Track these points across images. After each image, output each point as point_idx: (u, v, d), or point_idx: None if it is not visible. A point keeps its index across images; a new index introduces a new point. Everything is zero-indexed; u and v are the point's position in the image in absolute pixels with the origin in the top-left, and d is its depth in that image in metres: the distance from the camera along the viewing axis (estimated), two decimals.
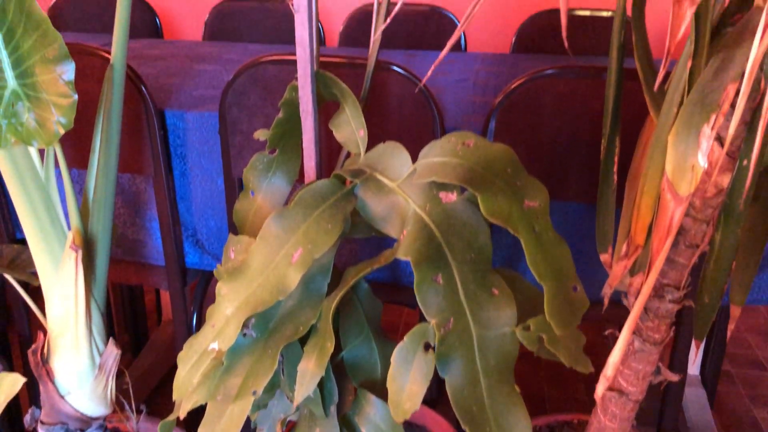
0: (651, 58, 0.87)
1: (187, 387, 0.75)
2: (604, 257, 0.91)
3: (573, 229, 1.26)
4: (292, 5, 0.79)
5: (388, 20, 0.76)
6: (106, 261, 1.05)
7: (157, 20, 2.23)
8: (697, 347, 0.90)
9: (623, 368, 0.97)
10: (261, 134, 0.95)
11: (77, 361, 1.01)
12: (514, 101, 1.16)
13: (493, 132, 1.18)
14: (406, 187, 0.77)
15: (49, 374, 1.02)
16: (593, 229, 0.93)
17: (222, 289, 0.75)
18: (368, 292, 0.94)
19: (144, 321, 2.01)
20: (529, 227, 0.69)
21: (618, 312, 1.11)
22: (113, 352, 1.04)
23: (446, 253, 0.72)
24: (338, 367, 0.97)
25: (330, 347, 0.73)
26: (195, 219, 1.35)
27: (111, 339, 1.04)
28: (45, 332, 1.02)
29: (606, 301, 0.91)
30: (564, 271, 0.72)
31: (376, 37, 0.89)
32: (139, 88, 1.20)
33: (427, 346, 0.70)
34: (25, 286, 1.08)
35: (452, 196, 0.74)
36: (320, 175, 0.91)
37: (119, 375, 1.08)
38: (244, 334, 0.77)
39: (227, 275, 0.75)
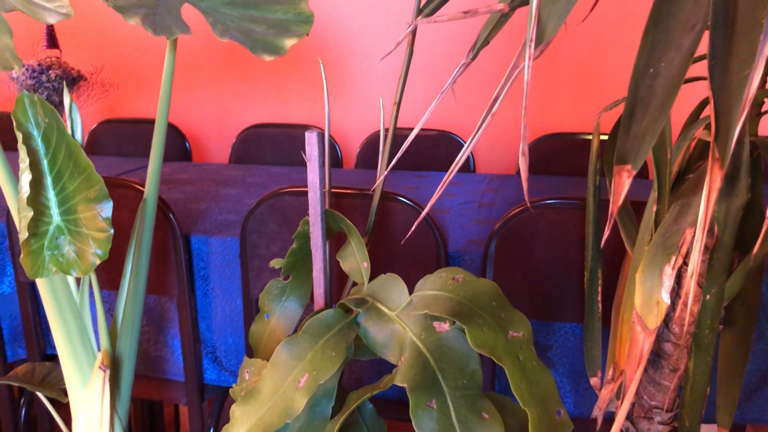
0: (626, 202, 0.97)
1: None
2: (593, 381, 0.97)
3: (576, 347, 1.31)
4: (305, 155, 0.90)
5: (397, 156, 0.86)
6: (130, 379, 1.13)
7: (187, 144, 2.40)
8: None
9: None
10: (276, 263, 1.05)
11: None
12: (512, 228, 1.25)
13: (492, 256, 1.26)
14: (403, 316, 0.85)
15: None
16: None
17: (236, 411, 0.82)
18: (372, 413, 1.00)
19: None
20: (513, 356, 0.76)
21: None
22: None
23: (440, 379, 0.79)
24: None
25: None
26: (215, 336, 1.43)
27: None
28: None
29: (599, 422, 0.96)
30: (547, 397, 0.78)
31: (380, 178, 1.00)
32: (168, 216, 1.32)
33: None
34: (53, 402, 1.16)
35: (445, 326, 0.82)
36: (329, 301, 0.99)
37: None
38: None
39: (241, 399, 0.82)
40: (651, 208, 0.82)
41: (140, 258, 1.13)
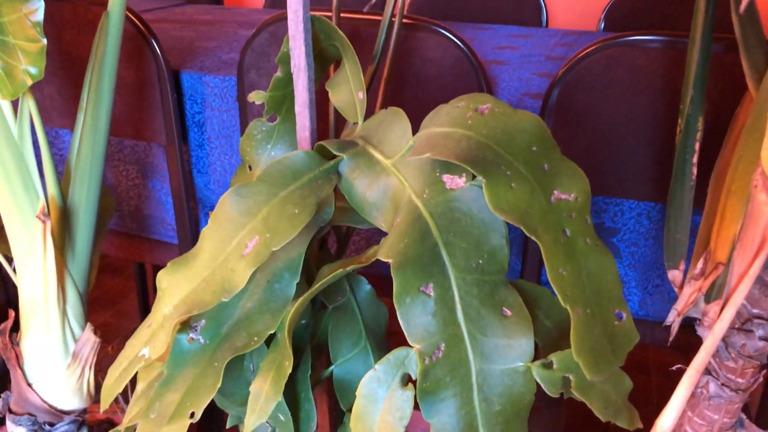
0: (756, 16, 0.65)
1: (111, 397, 0.60)
2: (672, 274, 0.70)
3: (650, 233, 1.03)
4: None
5: None
6: (88, 236, 0.93)
7: None
8: None
9: (693, 415, 0.76)
10: (256, 97, 0.79)
11: (47, 347, 0.89)
12: (581, 75, 0.95)
13: (552, 110, 0.97)
14: (402, 166, 0.59)
15: (18, 358, 0.90)
16: None
17: (162, 281, 0.59)
18: (370, 295, 0.76)
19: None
20: (555, 228, 0.50)
21: (696, 341, 0.89)
22: (90, 340, 0.92)
23: (443, 256, 0.54)
24: (327, 385, 0.81)
25: (288, 366, 0.57)
26: (214, 195, 1.21)
27: (89, 325, 0.92)
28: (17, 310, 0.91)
29: (674, 329, 0.70)
30: (604, 292, 0.52)
31: None
32: (150, 44, 1.07)
33: (406, 380, 0.53)
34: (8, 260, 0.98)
35: (460, 181, 0.55)
36: None
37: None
38: (191, 339, 0.61)
39: (170, 265, 0.60)
40: None
41: (100, 87, 0.90)
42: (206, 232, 0.59)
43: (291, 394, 0.71)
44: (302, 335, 0.73)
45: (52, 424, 0.92)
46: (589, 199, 0.53)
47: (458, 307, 0.53)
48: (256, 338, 0.58)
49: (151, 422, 0.60)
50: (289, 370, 0.57)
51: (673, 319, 0.68)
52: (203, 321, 0.61)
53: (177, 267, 0.59)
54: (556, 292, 0.49)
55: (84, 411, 0.96)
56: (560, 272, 0.49)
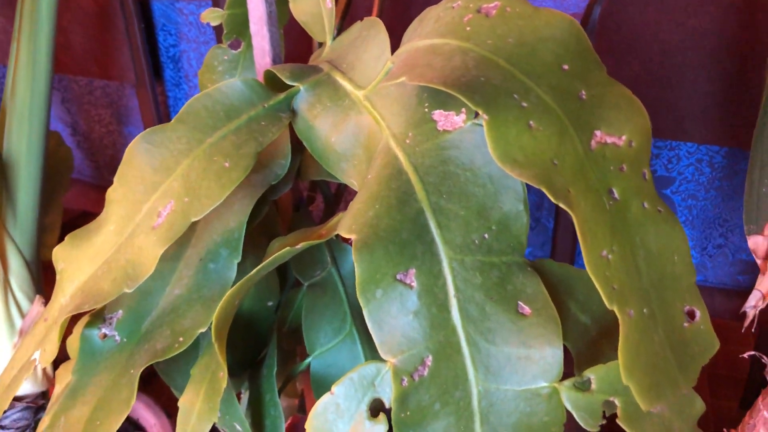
0: None
1: (4, 408, 0.46)
2: (754, 241, 0.52)
3: (711, 183, 0.85)
4: None
5: None
6: (33, 194, 0.78)
7: None
8: None
9: None
10: (211, 16, 0.62)
11: None
12: None
13: (593, 33, 0.78)
14: (379, 98, 0.41)
15: None
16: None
17: (59, 261, 0.44)
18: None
19: None
20: (598, 190, 0.33)
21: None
22: (41, 313, 0.78)
23: (431, 228, 0.37)
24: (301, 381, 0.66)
25: (222, 378, 0.41)
26: None
27: (38, 298, 0.78)
28: None
29: (750, 318, 0.52)
30: (669, 283, 0.35)
31: None
32: None
33: (376, 408, 0.37)
34: None
35: (457, 120, 0.38)
36: None
37: None
38: (103, 336, 0.46)
39: (69, 238, 0.44)
40: None
41: (37, 10, 0.73)
42: (111, 195, 0.43)
43: (254, 395, 0.56)
44: (267, 319, 0.58)
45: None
46: (650, 143, 0.35)
47: (453, 301, 0.36)
48: (181, 338, 0.43)
49: None
50: (224, 383, 0.41)
51: (755, 303, 0.50)
52: (120, 312, 0.46)
53: (77, 242, 0.44)
54: (597, 285, 0.32)
55: (42, 395, 0.84)
56: (604, 255, 0.32)
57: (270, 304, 0.58)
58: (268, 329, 0.58)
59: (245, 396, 0.59)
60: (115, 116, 1.07)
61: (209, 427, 0.44)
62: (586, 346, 0.41)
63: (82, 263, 0.43)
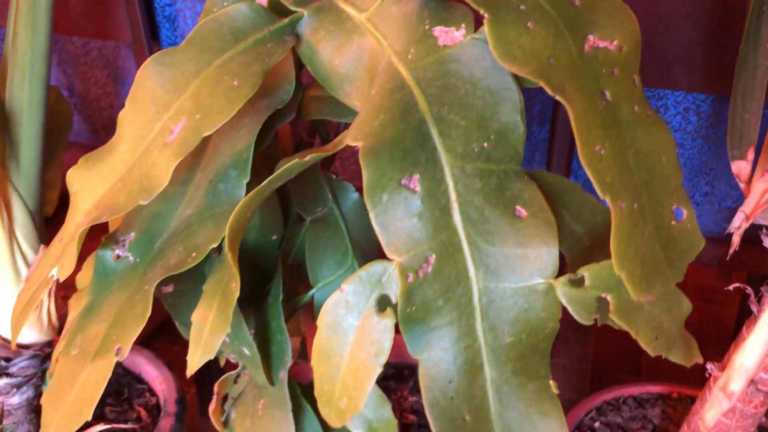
0: None
1: (19, 328, 0.48)
2: (737, 166, 0.54)
3: (698, 131, 0.87)
4: None
5: None
6: (36, 145, 0.79)
7: None
8: None
9: None
10: None
11: None
12: None
13: None
14: (381, 19, 0.43)
15: None
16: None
17: (73, 182, 0.46)
18: (358, 205, 0.62)
19: None
20: (591, 90, 0.35)
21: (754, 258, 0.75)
22: None
23: (434, 137, 0.39)
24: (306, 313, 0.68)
25: (235, 289, 0.43)
26: None
27: (42, 247, 0.80)
28: None
29: (736, 241, 0.55)
30: (658, 181, 0.38)
31: None
32: None
33: (383, 303, 0.39)
34: None
35: (457, 35, 0.40)
36: None
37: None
38: (117, 257, 0.48)
39: (83, 161, 0.46)
40: None
41: None
42: (123, 117, 0.44)
43: (261, 324, 0.59)
44: (272, 253, 0.60)
45: (8, 360, 0.81)
46: (639, 49, 0.37)
47: (454, 205, 0.38)
48: (194, 254, 0.45)
49: (71, 361, 0.47)
50: (237, 294, 0.43)
51: (739, 223, 0.53)
52: (132, 234, 0.48)
53: (91, 164, 0.46)
54: (591, 177, 0.34)
55: (48, 344, 0.85)
56: (597, 151, 0.34)
57: (274, 238, 0.60)
58: (272, 263, 0.60)
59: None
60: (111, 77, 1.08)
61: (221, 339, 0.46)
62: (580, 253, 0.43)
63: (96, 183, 0.44)
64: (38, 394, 0.87)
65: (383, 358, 0.38)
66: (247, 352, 0.55)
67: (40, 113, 0.78)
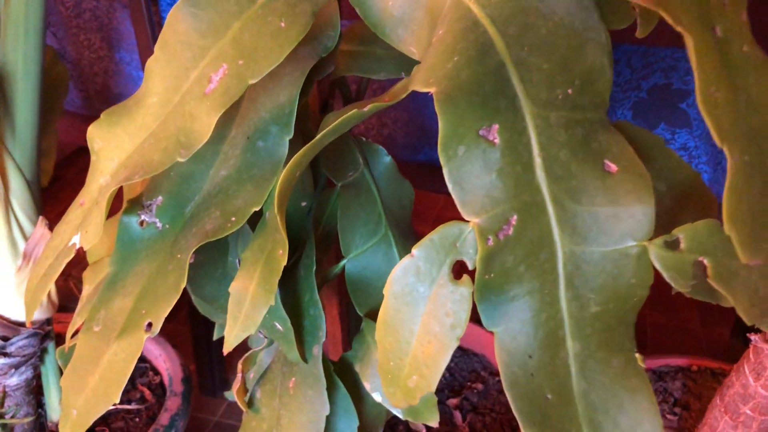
0: None
1: (36, 303, 0.43)
2: None
3: None
4: None
5: None
6: (32, 109, 0.73)
7: None
8: None
9: None
10: None
11: None
12: None
13: None
14: None
15: None
16: None
17: (94, 140, 0.41)
18: (390, 170, 0.58)
19: None
20: (705, 22, 0.31)
21: None
22: (45, 236, 0.74)
23: (513, 82, 0.34)
24: (337, 286, 0.64)
25: (282, 257, 0.39)
26: None
27: (41, 219, 0.75)
28: None
29: None
30: (765, 133, 0.34)
31: None
32: None
33: (459, 270, 0.35)
34: None
35: None
36: None
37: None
38: (143, 223, 0.43)
39: (105, 116, 0.41)
40: None
41: None
42: (152, 66, 0.39)
43: (291, 297, 0.54)
44: (302, 221, 0.55)
45: (6, 339, 0.76)
46: None
47: (537, 160, 0.34)
48: (234, 218, 0.40)
49: (95, 337, 0.43)
50: (284, 261, 0.39)
51: None
52: (160, 197, 0.43)
53: (115, 119, 0.41)
54: (709, 122, 0.30)
55: (47, 322, 0.80)
56: (713, 93, 0.30)
57: (304, 204, 0.55)
58: (301, 230, 0.56)
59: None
60: (105, 41, 1.02)
61: (263, 312, 0.41)
62: (664, 213, 0.39)
63: (122, 140, 0.40)
64: (37, 375, 0.82)
65: (460, 331, 0.34)
66: (279, 327, 0.51)
67: (35, 75, 0.73)
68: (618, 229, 0.34)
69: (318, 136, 0.36)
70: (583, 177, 0.34)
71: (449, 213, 1.59)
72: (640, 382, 0.36)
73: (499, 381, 0.92)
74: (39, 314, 0.78)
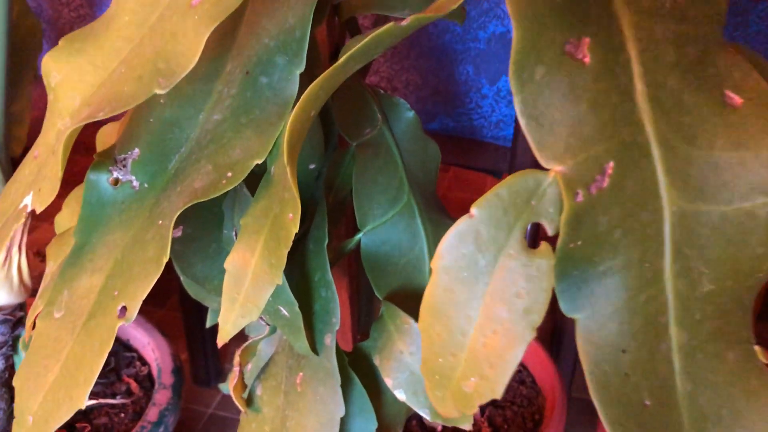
0: None
1: None
2: None
3: None
4: None
5: None
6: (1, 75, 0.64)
7: None
8: None
9: None
10: None
11: None
12: None
13: None
14: None
15: None
16: None
17: (51, 72, 0.32)
18: (413, 127, 0.49)
19: None
20: None
21: None
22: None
23: None
24: (349, 264, 0.56)
25: (292, 222, 0.30)
26: None
27: None
28: None
29: None
30: None
31: None
32: None
33: (534, 236, 0.26)
34: None
35: None
36: None
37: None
38: (116, 181, 0.34)
39: (64, 42, 0.32)
40: None
41: None
42: None
43: (298, 277, 0.45)
44: (311, 186, 0.46)
45: None
46: None
47: (639, 86, 0.25)
48: (230, 173, 0.31)
49: (55, 325, 0.34)
50: (295, 228, 0.30)
51: None
52: (137, 150, 0.34)
53: (78, 45, 0.31)
54: None
55: (20, 307, 0.72)
56: None
57: (312, 167, 0.47)
58: (309, 197, 0.47)
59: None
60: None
61: (268, 293, 0.33)
62: None
63: (87, 71, 0.30)
64: (9, 366, 0.74)
65: (536, 318, 0.25)
66: (285, 312, 0.42)
67: (3, 27, 0.63)
68: (744, 181, 0.26)
69: (342, 59, 0.28)
70: (698, 111, 0.26)
71: (454, 193, 1.46)
72: (762, 384, 0.28)
73: (521, 371, 0.84)
74: (9, 298, 0.69)
